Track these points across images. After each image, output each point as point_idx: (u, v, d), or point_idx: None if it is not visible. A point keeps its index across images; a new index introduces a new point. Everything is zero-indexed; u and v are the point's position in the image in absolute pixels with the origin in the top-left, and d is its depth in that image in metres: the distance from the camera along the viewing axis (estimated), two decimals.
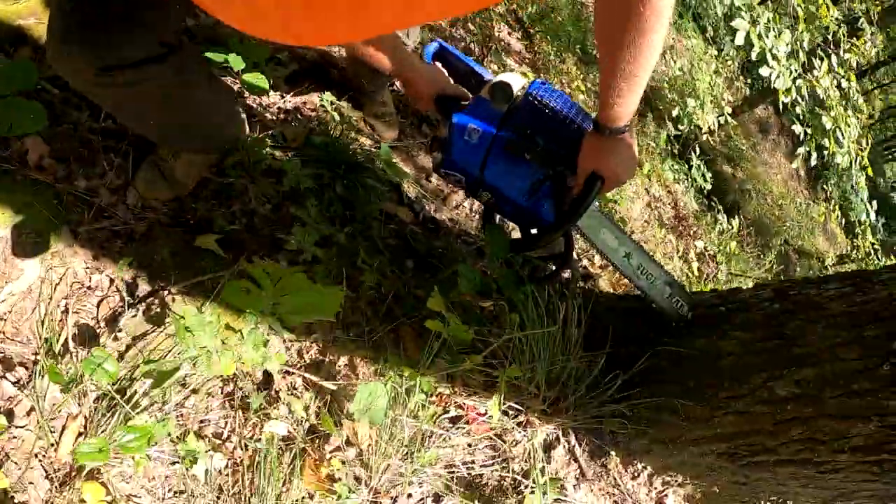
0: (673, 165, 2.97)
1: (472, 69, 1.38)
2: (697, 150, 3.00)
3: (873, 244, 3.26)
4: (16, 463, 1.13)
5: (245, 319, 1.13)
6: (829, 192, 4.25)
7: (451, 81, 1.33)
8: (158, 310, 1.30)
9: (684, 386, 1.53)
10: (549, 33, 2.83)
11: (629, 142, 1.18)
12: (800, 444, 1.34)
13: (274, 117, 1.79)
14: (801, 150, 2.62)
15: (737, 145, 3.80)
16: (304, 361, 1.42)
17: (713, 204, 3.04)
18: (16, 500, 1.10)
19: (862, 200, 3.04)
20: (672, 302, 1.58)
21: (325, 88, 1.87)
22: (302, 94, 1.86)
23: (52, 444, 1.16)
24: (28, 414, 1.18)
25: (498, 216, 1.58)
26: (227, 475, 1.24)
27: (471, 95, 1.31)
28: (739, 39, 2.19)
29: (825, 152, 2.57)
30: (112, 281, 1.33)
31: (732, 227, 2.89)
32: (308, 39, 0.41)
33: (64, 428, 1.18)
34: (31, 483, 1.12)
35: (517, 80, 1.29)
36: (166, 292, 1.33)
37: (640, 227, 2.64)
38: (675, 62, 2.98)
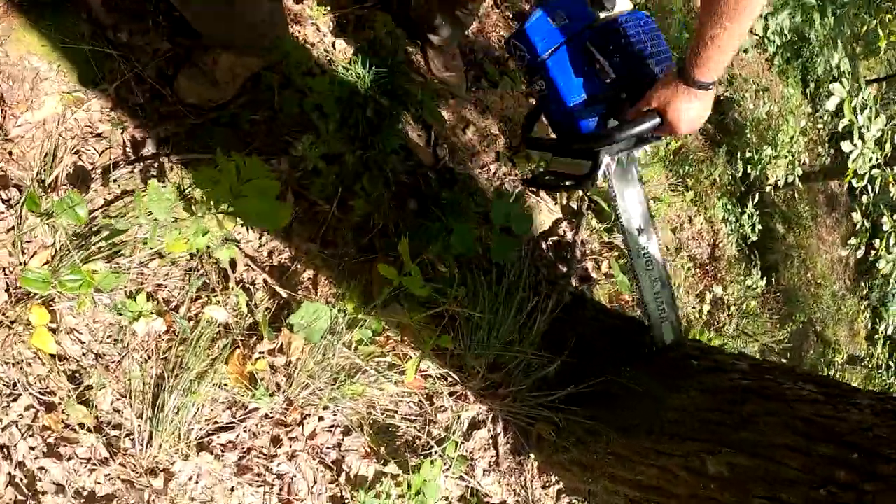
0: (727, 205, 2.81)
1: None
2: (757, 198, 2.82)
3: (887, 359, 3.08)
4: None
5: (201, 205, 1.14)
6: (868, 292, 3.99)
7: None
8: (156, 173, 1.33)
9: (624, 422, 1.50)
10: None
11: (706, 100, 1.11)
12: None
13: (327, 27, 1.74)
14: (852, 240, 2.44)
15: (798, 209, 3.55)
16: (272, 262, 1.43)
17: (752, 257, 2.88)
18: None
19: (891, 313, 2.84)
20: (658, 303, 1.55)
21: (388, 12, 1.80)
22: (362, 11, 1.79)
23: (21, 264, 1.23)
24: (7, 231, 1.24)
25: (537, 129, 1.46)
26: (162, 340, 1.30)
27: None
28: (831, 105, 2.00)
29: (873, 252, 2.39)
30: (122, 134, 1.36)
31: (759, 286, 2.75)
32: None
33: (35, 253, 1.26)
34: None
35: (623, 0, 1.24)
36: (166, 159, 1.35)
37: (667, 248, 2.54)
38: (765, 104, 2.75)
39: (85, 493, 1.21)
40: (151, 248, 1.28)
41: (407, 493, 1.41)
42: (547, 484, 1.60)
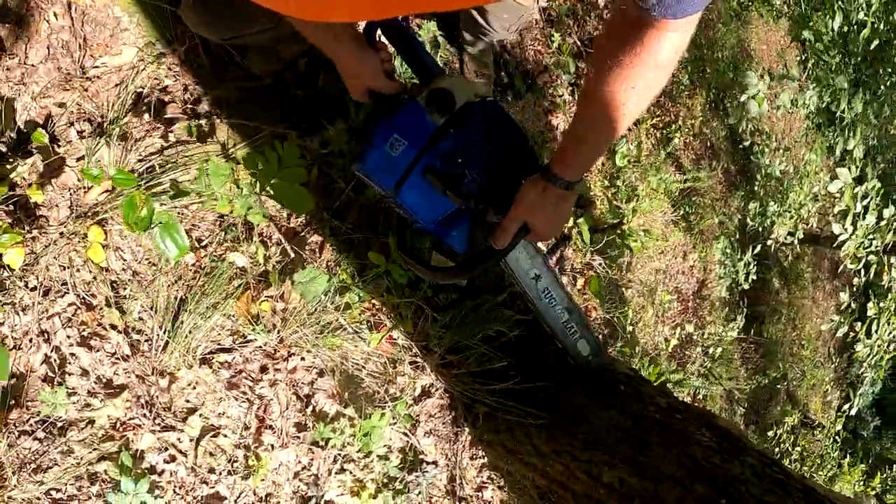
0: (726, 248, 2.94)
1: (421, 57, 1.21)
2: (758, 248, 2.94)
3: (837, 433, 3.21)
4: (53, 187, 1.49)
5: (246, 182, 1.41)
6: (848, 364, 4.04)
7: (391, 74, 1.17)
8: (206, 129, 1.60)
9: (549, 420, 1.76)
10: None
11: (570, 200, 1.14)
12: None
13: None
14: (835, 317, 2.55)
15: (798, 269, 3.63)
16: (288, 224, 1.71)
17: (741, 304, 3.03)
18: (38, 213, 1.47)
19: (857, 394, 2.95)
20: (566, 328, 1.65)
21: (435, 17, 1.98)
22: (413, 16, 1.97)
23: (84, 188, 1.52)
24: (78, 160, 1.50)
25: None
26: (190, 271, 1.60)
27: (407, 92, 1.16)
28: (834, 187, 2.09)
29: (852, 334, 2.50)
30: (184, 91, 1.62)
31: (730, 335, 2.91)
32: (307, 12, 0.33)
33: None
34: (56, 205, 1.49)
35: (464, 90, 1.14)
36: (218, 119, 1.61)
37: (650, 275, 2.71)
38: (781, 163, 2.82)
39: (104, 380, 1.51)
40: (198, 199, 1.56)
41: (357, 434, 1.72)
42: (474, 456, 1.89)
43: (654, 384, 1.91)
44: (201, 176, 1.34)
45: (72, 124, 1.51)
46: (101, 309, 1.53)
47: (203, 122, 1.60)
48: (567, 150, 1.08)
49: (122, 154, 1.52)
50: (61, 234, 1.50)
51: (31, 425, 1.46)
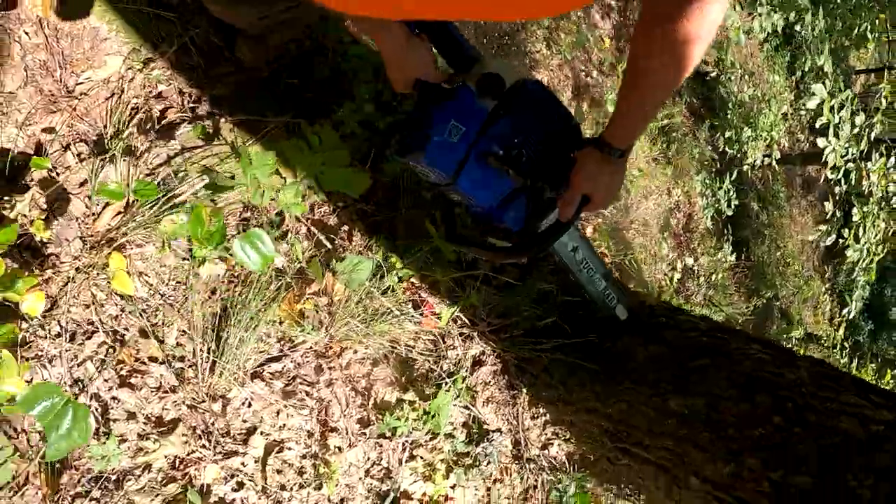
0: (705, 179, 3.06)
1: (460, 43, 1.22)
2: (735, 175, 3.08)
3: (843, 339, 3.41)
4: (58, 220, 1.36)
5: (289, 170, 1.34)
6: (834, 275, 4.32)
7: (436, 62, 1.18)
8: (210, 131, 1.50)
9: (601, 365, 1.79)
10: None
11: (623, 169, 1.18)
12: (667, 453, 1.58)
13: None
14: (822, 226, 2.71)
15: (774, 189, 3.84)
16: (314, 216, 1.64)
17: (725, 232, 3.17)
18: (47, 251, 1.34)
19: (853, 299, 3.15)
20: (605, 295, 1.70)
21: None
22: None
23: (93, 215, 1.40)
24: (80, 185, 1.38)
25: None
26: (223, 282, 1.51)
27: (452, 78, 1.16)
28: (812, 104, 2.22)
29: (841, 241, 2.66)
30: (179, 95, 1.52)
31: (727, 261, 3.05)
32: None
33: (107, 205, 1.40)
34: (66, 239, 1.36)
35: (509, 72, 1.16)
36: (222, 119, 1.52)
37: (641, 220, 2.79)
38: (748, 87, 2.96)
39: (154, 419, 1.41)
40: (213, 200, 1.47)
41: (422, 417, 1.69)
42: (535, 415, 1.90)
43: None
44: (244, 168, 1.26)
45: (67, 148, 1.38)
46: (135, 342, 1.43)
47: (206, 123, 1.50)
48: (618, 120, 1.11)
49: (129, 170, 1.41)
50: (77, 269, 1.38)
51: (84, 485, 1.34)
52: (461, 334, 1.78)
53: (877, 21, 2.67)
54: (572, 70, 2.48)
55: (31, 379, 1.33)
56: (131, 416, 1.40)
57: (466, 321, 1.77)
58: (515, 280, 1.75)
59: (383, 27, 1.07)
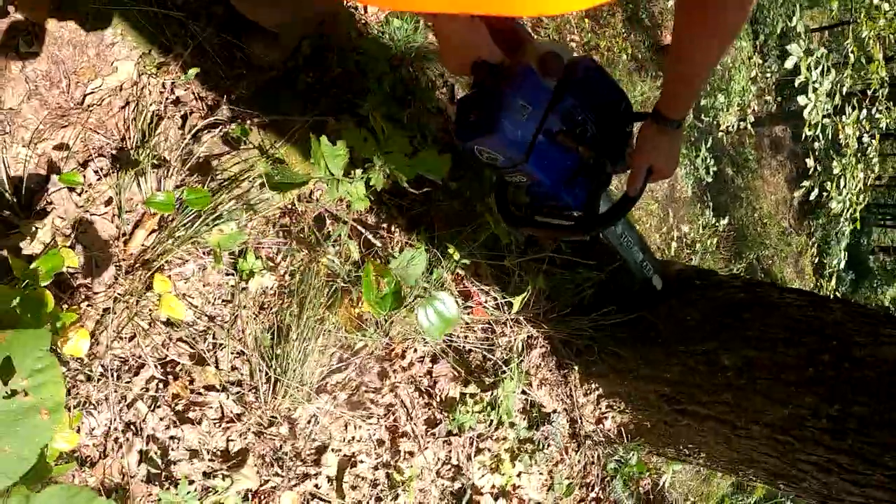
0: (682, 149, 3.17)
1: (512, 26, 1.19)
2: (710, 142, 3.20)
3: (835, 290, 3.62)
4: (86, 247, 1.23)
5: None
6: (813, 230, 4.59)
7: (493, 43, 1.13)
8: (238, 135, 1.39)
9: (648, 332, 1.81)
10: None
11: (680, 137, 1.20)
12: (726, 406, 1.62)
13: None
14: (805, 182, 2.86)
15: (746, 153, 4.04)
16: (353, 214, 1.56)
17: (705, 198, 3.30)
18: (77, 283, 1.21)
19: (840, 249, 3.33)
20: (642, 266, 1.74)
21: None
22: None
23: (124, 236, 1.26)
24: (106, 203, 1.25)
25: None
26: (272, 295, 1.40)
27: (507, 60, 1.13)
28: (789, 64, 2.34)
29: (824, 194, 2.82)
30: (199, 98, 1.40)
31: (717, 226, 3.17)
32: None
33: (138, 223, 1.28)
34: (97, 266, 1.23)
35: (564, 51, 1.16)
36: (248, 122, 1.41)
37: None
38: None
39: (219, 453, 1.30)
40: (255, 210, 1.37)
41: (485, 409, 1.64)
42: (588, 392, 1.89)
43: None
44: (317, 160, 1.16)
45: (85, 164, 1.24)
46: (188, 372, 1.30)
47: (232, 126, 1.40)
48: (670, 93, 1.13)
49: (160, 182, 1.28)
50: (115, 299, 1.24)
51: None
52: (510, 321, 1.75)
53: None
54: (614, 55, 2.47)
55: (79, 429, 1.18)
56: (194, 453, 1.28)
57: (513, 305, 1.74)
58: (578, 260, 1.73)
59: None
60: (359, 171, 1.27)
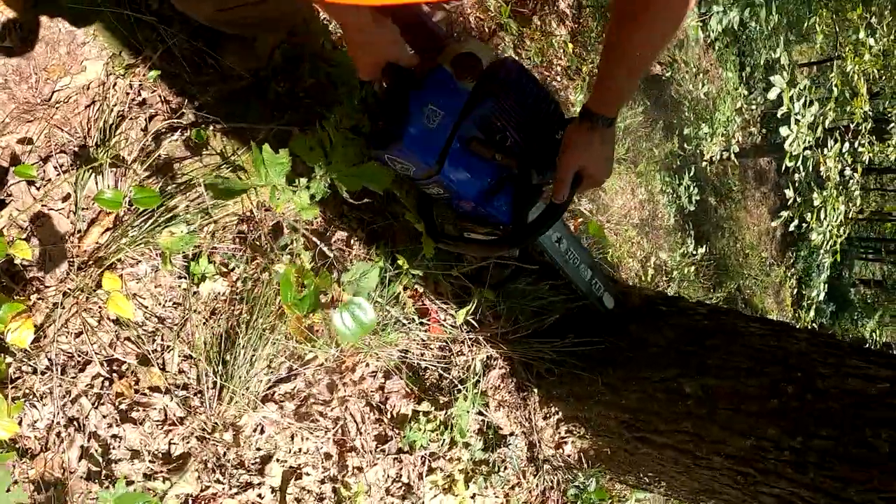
0: (665, 177, 3.19)
1: (425, 24, 1.15)
2: (693, 171, 3.23)
3: (812, 321, 3.60)
4: (41, 241, 1.23)
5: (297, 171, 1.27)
6: (793, 262, 4.60)
7: (405, 44, 1.08)
8: (200, 140, 1.40)
9: (611, 357, 1.79)
10: (598, 12, 2.89)
11: (612, 138, 1.11)
12: (687, 436, 1.61)
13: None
14: (784, 213, 2.87)
15: (729, 183, 4.07)
16: (312, 226, 1.57)
17: (687, 227, 3.31)
18: (29, 275, 1.21)
19: (820, 281, 3.34)
20: (591, 285, 1.70)
21: None
22: None
23: (79, 233, 1.27)
24: (64, 199, 1.26)
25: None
26: (224, 301, 1.40)
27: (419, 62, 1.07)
28: (772, 94, 2.37)
29: (804, 224, 2.83)
30: (163, 102, 1.41)
31: (697, 254, 3.17)
32: None
33: (94, 221, 1.28)
34: (50, 259, 1.23)
35: (484, 52, 1.09)
36: (211, 127, 1.43)
37: (615, 220, 2.87)
38: (703, 85, 3.13)
39: (161, 455, 1.28)
40: (205, 212, 1.37)
41: (439, 428, 1.63)
42: (548, 415, 1.87)
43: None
44: (257, 166, 1.17)
45: (46, 159, 1.25)
46: (133, 372, 1.30)
47: (194, 132, 1.41)
48: (602, 88, 1.07)
49: (117, 181, 1.29)
50: (64, 293, 1.24)
51: None
52: (469, 339, 1.74)
53: (823, 13, 2.91)
54: (540, 74, 2.53)
55: (21, 420, 1.17)
56: (135, 454, 1.27)
57: (474, 325, 1.73)
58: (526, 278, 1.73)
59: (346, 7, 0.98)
60: (303, 181, 1.27)
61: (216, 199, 1.19)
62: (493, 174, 1.12)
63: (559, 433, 1.85)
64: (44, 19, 1.29)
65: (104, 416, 1.26)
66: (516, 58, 1.21)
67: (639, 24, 0.97)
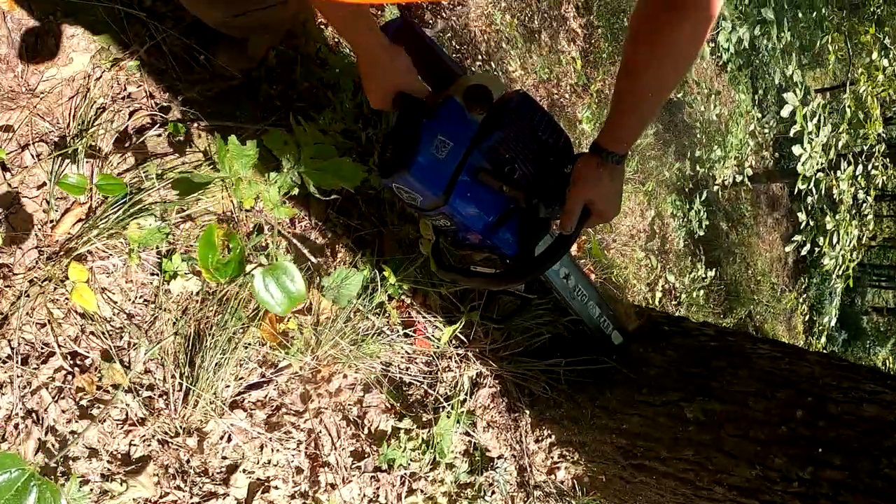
0: (675, 200, 3.10)
1: (438, 57, 1.17)
2: (703, 195, 3.14)
3: (824, 348, 3.44)
4: (13, 228, 1.21)
5: (271, 166, 1.22)
6: (805, 288, 4.44)
7: (417, 74, 1.09)
8: (182, 136, 1.38)
9: (610, 378, 1.69)
10: (610, 32, 2.88)
11: (622, 175, 1.12)
12: (688, 464, 1.49)
13: None
14: (797, 237, 2.75)
15: (741, 208, 3.96)
16: (294, 229, 1.52)
17: (697, 251, 3.20)
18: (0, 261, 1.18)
19: (833, 307, 3.20)
20: (600, 322, 1.65)
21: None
22: None
23: (52, 223, 1.24)
24: (39, 188, 1.24)
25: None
26: (196, 300, 1.35)
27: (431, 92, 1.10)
28: (786, 112, 2.29)
29: (817, 249, 2.71)
30: (149, 98, 1.40)
31: (706, 279, 3.06)
32: None
33: (67, 210, 1.26)
34: (20, 247, 1.20)
35: (495, 84, 1.10)
36: (195, 124, 1.41)
37: (622, 241, 2.78)
38: (715, 107, 3.07)
39: (120, 456, 1.23)
40: (182, 210, 1.33)
41: (421, 447, 1.53)
42: (540, 438, 1.76)
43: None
44: (221, 157, 1.13)
45: (25, 147, 1.23)
46: (97, 368, 1.24)
47: (171, 126, 1.39)
48: (614, 124, 1.07)
49: (93, 173, 1.26)
50: (31, 282, 1.20)
51: None
52: (457, 355, 1.66)
53: (835, 35, 2.85)
54: (546, 91, 2.50)
55: None
56: (93, 452, 1.20)
57: (463, 340, 1.65)
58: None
59: (367, 27, 0.99)
60: (272, 175, 1.23)
61: (179, 193, 1.14)
62: (500, 206, 1.11)
63: (552, 457, 1.74)
64: (34, 11, 1.29)
65: (63, 411, 1.20)
66: (526, 91, 1.19)
67: (649, 70, 0.97)
